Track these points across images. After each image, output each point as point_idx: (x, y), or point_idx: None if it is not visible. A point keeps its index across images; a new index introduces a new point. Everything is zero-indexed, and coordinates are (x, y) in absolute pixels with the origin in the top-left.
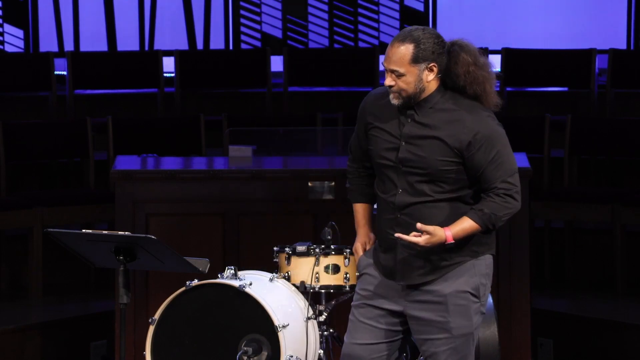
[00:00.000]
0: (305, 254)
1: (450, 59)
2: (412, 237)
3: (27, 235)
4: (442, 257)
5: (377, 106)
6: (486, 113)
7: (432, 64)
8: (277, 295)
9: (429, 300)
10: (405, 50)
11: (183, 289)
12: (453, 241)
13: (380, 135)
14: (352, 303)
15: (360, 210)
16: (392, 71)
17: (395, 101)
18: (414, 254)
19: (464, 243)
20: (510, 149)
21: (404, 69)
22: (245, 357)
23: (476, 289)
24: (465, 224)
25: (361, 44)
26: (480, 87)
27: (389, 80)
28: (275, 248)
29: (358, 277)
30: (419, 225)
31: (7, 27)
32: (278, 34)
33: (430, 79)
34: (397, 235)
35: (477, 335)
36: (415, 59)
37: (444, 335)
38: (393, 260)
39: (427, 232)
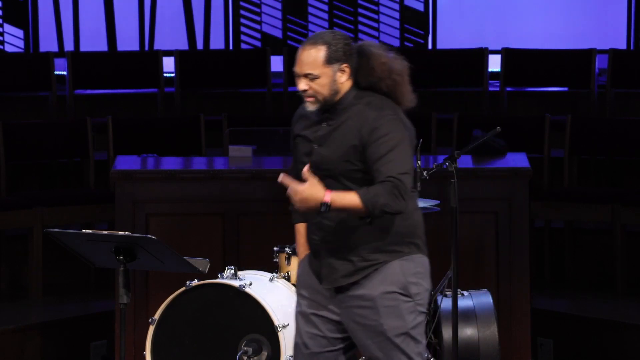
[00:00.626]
0: None
1: (362, 57)
2: (293, 182)
3: (27, 235)
4: (362, 257)
5: (301, 116)
6: (391, 112)
7: (344, 65)
8: (277, 295)
9: (359, 305)
10: (318, 52)
11: (183, 289)
12: (329, 202)
13: (301, 142)
14: (295, 310)
15: (301, 230)
16: (306, 75)
17: (311, 106)
18: (336, 256)
19: (383, 241)
20: (409, 151)
21: (318, 71)
22: (245, 357)
23: (404, 288)
24: (348, 195)
25: None
26: (399, 77)
27: (302, 85)
28: (275, 248)
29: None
30: (305, 168)
31: (7, 27)
32: (278, 34)
33: (343, 80)
34: (280, 177)
35: (419, 335)
36: (329, 60)
37: (379, 339)
38: (319, 264)
39: (309, 182)
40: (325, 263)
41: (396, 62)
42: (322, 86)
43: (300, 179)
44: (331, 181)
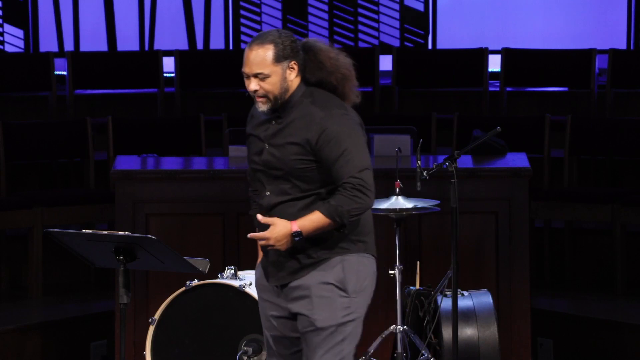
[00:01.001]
0: None
1: (309, 53)
2: (260, 234)
3: (27, 235)
4: (307, 254)
5: (252, 116)
6: (340, 110)
7: (292, 62)
8: None
9: (297, 295)
10: (266, 51)
11: (183, 289)
12: (299, 229)
13: (253, 141)
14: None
15: None
16: (256, 75)
17: (263, 107)
18: (282, 254)
19: (327, 240)
20: (363, 147)
21: (268, 70)
22: (245, 357)
23: (341, 282)
24: (313, 215)
25: (361, 44)
26: (348, 71)
27: (253, 86)
28: None
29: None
30: (259, 216)
31: (7, 27)
32: None
33: (292, 78)
34: (249, 235)
35: (351, 335)
36: (277, 58)
37: (311, 328)
38: (267, 263)
39: (271, 224)
40: (272, 262)
41: (343, 57)
42: (272, 85)
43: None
44: (283, 183)
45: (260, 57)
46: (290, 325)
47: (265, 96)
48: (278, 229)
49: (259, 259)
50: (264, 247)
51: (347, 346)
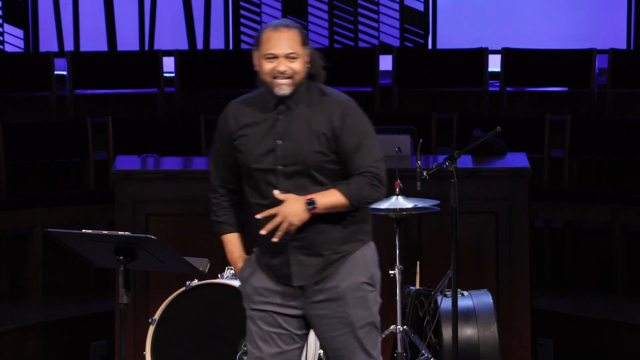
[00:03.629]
0: None
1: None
2: (271, 210)
3: (27, 235)
4: (333, 249)
5: (241, 114)
6: (352, 102)
7: (307, 52)
8: None
9: (327, 298)
10: (295, 34)
11: (183, 289)
12: (313, 198)
13: (252, 141)
14: (247, 314)
15: (233, 240)
16: (288, 55)
17: (286, 89)
18: (305, 252)
19: (347, 232)
20: (376, 136)
21: (300, 50)
22: (245, 357)
23: (371, 278)
24: (329, 192)
25: (361, 44)
26: (321, 62)
27: (282, 67)
28: None
29: (242, 288)
30: (275, 192)
31: (7, 27)
32: None
33: (308, 65)
34: (258, 216)
35: (379, 324)
36: (303, 42)
37: (346, 330)
38: (286, 264)
39: (284, 199)
40: (295, 261)
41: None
42: (300, 66)
43: (228, 186)
44: (300, 178)
45: (292, 38)
46: (298, 323)
47: (291, 77)
48: (289, 201)
49: (239, 263)
50: (274, 247)
51: (378, 335)
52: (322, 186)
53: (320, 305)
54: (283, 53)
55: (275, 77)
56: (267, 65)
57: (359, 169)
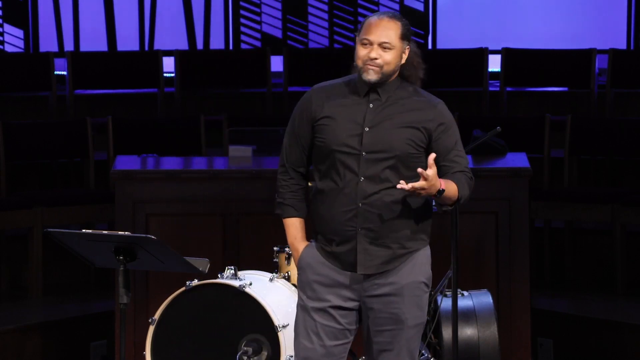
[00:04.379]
0: None
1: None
2: (415, 183)
3: (27, 235)
4: (401, 244)
5: (326, 97)
6: (442, 102)
7: (407, 47)
8: (277, 295)
9: (386, 292)
10: (396, 25)
11: (183, 289)
12: (444, 189)
13: (337, 124)
14: (300, 303)
15: (297, 224)
16: (382, 44)
17: (374, 76)
18: (374, 242)
19: (417, 229)
20: None
21: (395, 42)
22: (245, 357)
23: (429, 279)
24: (451, 185)
25: None
26: (421, 66)
27: (374, 53)
28: (275, 248)
29: (299, 274)
30: (419, 170)
31: (7, 27)
32: (278, 34)
33: (402, 61)
34: (399, 186)
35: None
36: (403, 36)
37: (399, 327)
38: (353, 252)
39: (427, 177)
40: (362, 250)
41: (420, 61)
42: (392, 58)
43: (298, 169)
44: (384, 169)
45: (391, 29)
46: (352, 318)
47: (381, 66)
48: (433, 184)
49: (300, 248)
50: (344, 234)
51: (421, 336)
52: (401, 178)
53: (377, 300)
54: (378, 40)
55: (365, 63)
56: (361, 51)
57: (457, 169)
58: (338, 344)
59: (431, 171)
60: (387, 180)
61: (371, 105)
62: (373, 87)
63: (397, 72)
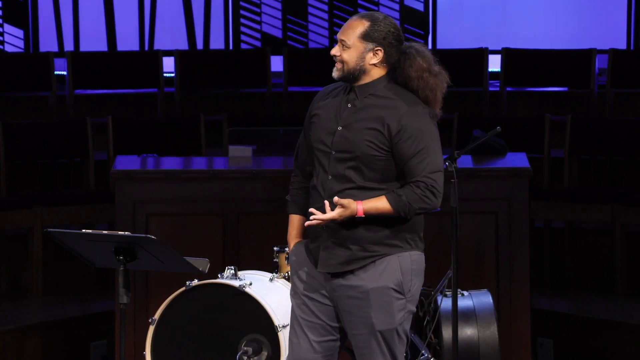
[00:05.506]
0: None
1: (405, 61)
2: (326, 215)
3: (27, 235)
4: (362, 247)
5: (324, 97)
6: (424, 109)
7: (377, 48)
8: (277, 295)
9: (352, 295)
10: (359, 24)
11: (183, 289)
12: (363, 215)
13: (320, 121)
14: (290, 300)
15: (294, 221)
16: (341, 41)
17: (336, 73)
18: (336, 242)
19: (384, 235)
20: (439, 148)
21: (351, 42)
22: (245, 357)
23: (399, 285)
24: (380, 203)
25: None
26: (432, 93)
27: (335, 50)
28: (275, 248)
29: (290, 270)
30: (335, 199)
31: (7, 27)
32: (278, 34)
33: (372, 62)
34: (310, 210)
35: (404, 333)
36: (365, 36)
37: (366, 331)
38: (318, 249)
39: (342, 205)
40: (324, 248)
41: (435, 79)
42: (349, 57)
43: (307, 167)
44: (348, 168)
45: (351, 27)
46: (331, 314)
47: (341, 63)
48: (347, 212)
49: (291, 244)
50: (315, 231)
51: (402, 342)
52: (364, 180)
53: (346, 302)
54: (339, 38)
55: (334, 58)
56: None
57: (413, 177)
58: (322, 340)
59: (337, 210)
60: (351, 180)
61: (349, 105)
62: (352, 87)
63: (373, 73)
